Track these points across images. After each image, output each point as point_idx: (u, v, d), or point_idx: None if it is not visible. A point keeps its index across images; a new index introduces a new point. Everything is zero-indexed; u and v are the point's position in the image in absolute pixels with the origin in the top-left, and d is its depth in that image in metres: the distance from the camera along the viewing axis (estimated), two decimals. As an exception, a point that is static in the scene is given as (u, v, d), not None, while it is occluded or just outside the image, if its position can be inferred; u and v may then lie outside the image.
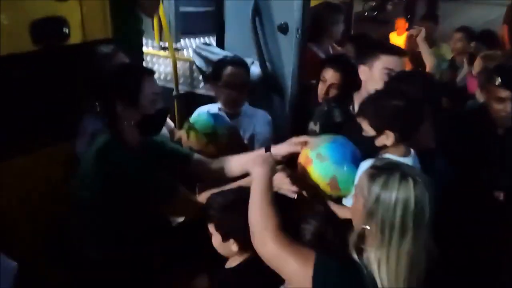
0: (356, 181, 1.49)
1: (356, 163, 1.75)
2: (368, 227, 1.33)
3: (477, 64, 3.22)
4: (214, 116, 2.28)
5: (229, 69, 2.48)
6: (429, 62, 3.18)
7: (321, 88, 2.57)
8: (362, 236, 1.35)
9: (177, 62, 3.29)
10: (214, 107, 2.55)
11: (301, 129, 2.42)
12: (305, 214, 1.68)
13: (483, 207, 2.31)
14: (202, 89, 3.29)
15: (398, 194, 1.29)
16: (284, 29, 2.66)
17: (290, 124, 2.76)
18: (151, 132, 1.94)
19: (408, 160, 1.76)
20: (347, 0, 4.69)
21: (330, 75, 2.54)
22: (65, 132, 2.20)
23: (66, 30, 2.21)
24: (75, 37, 2.27)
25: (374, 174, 1.35)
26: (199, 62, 3.13)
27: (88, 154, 1.86)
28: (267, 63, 2.85)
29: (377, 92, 1.93)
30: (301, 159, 1.81)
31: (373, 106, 1.81)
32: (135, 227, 1.88)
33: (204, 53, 3.09)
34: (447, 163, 2.12)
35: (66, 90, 2.24)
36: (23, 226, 2.16)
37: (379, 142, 1.80)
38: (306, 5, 2.55)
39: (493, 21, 6.42)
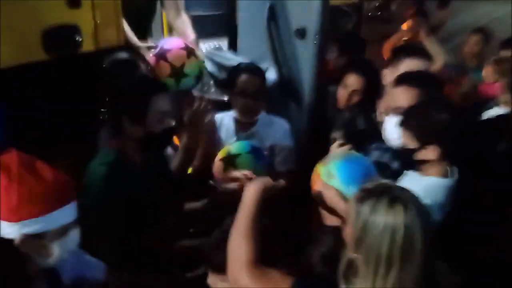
0: None
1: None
2: (355, 255, 1.21)
3: (489, 69, 3.14)
4: (257, 152, 2.14)
5: (244, 77, 2.37)
6: (439, 60, 2.98)
7: (343, 94, 2.45)
8: (351, 265, 1.23)
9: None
10: (228, 116, 2.47)
11: (319, 138, 2.36)
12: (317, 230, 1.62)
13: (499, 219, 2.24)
14: (213, 94, 3.21)
15: (386, 221, 1.16)
16: (301, 33, 2.57)
17: (308, 132, 2.68)
18: (153, 151, 1.88)
19: (447, 182, 1.71)
20: (356, 1, 4.62)
21: (352, 81, 2.43)
22: (78, 144, 2.13)
23: (78, 38, 2.15)
24: (88, 45, 2.20)
25: (362, 197, 1.23)
26: (211, 67, 3.04)
27: (90, 166, 1.80)
28: (283, 69, 2.77)
29: (424, 102, 1.83)
30: (313, 174, 1.75)
31: (419, 117, 1.73)
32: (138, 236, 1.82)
33: (216, 58, 3.00)
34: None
35: (78, 101, 2.17)
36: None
37: (421, 156, 1.72)
38: (325, 8, 2.46)
39: (499, 19, 6.34)
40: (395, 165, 2.02)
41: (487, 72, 3.19)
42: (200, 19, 3.70)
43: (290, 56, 2.71)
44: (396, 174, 1.89)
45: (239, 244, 1.33)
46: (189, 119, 1.96)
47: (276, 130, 2.44)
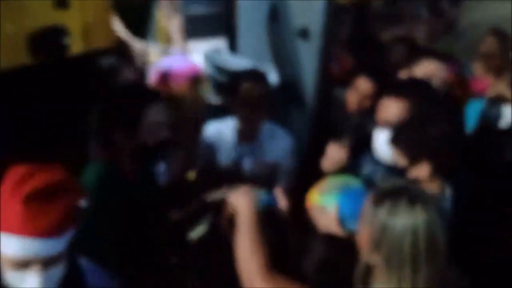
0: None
1: None
2: (375, 259, 1.19)
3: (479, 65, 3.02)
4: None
5: (247, 84, 2.21)
6: None
7: (353, 99, 2.31)
8: (368, 270, 1.22)
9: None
10: (228, 126, 2.31)
11: (322, 144, 2.24)
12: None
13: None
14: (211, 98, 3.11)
15: (406, 221, 1.15)
16: (304, 33, 2.45)
17: (311, 137, 2.56)
18: (146, 164, 1.78)
19: (442, 200, 1.62)
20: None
21: (364, 85, 2.28)
22: (65, 153, 2.02)
23: (66, 41, 2.05)
24: (76, 47, 2.11)
25: (378, 199, 1.20)
26: (210, 69, 2.93)
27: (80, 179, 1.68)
28: (285, 71, 2.65)
29: (414, 117, 1.73)
30: (308, 201, 1.66)
31: (408, 133, 1.65)
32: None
33: (216, 60, 2.88)
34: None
35: (68, 104, 2.08)
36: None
37: (413, 173, 1.64)
38: (329, 7, 2.34)
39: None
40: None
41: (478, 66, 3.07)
42: (198, 18, 3.61)
43: (291, 58, 2.59)
44: None
45: (249, 253, 1.33)
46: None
47: (279, 145, 2.28)
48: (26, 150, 1.95)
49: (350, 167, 2.01)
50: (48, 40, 1.98)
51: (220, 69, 2.81)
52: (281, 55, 2.63)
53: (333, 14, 2.55)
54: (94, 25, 2.14)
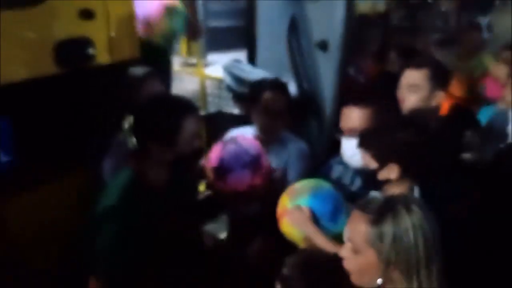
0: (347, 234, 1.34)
1: (335, 219, 1.70)
2: (390, 276, 1.22)
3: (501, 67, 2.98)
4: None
5: (268, 94, 2.24)
6: None
7: None
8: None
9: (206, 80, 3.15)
10: (247, 132, 2.33)
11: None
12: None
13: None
14: (231, 107, 3.14)
15: (413, 223, 1.21)
16: (323, 46, 2.47)
17: (328, 149, 2.56)
18: (182, 172, 1.79)
19: None
20: (380, 10, 4.52)
21: None
22: (86, 159, 2.07)
23: (91, 51, 2.10)
24: (102, 58, 2.16)
25: (377, 218, 1.23)
26: (229, 80, 2.97)
27: (108, 189, 1.72)
28: (303, 83, 2.66)
29: (381, 121, 1.81)
30: (278, 208, 1.71)
31: (377, 137, 1.71)
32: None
33: (235, 71, 2.92)
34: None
35: (92, 115, 2.12)
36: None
37: (382, 175, 1.69)
38: (348, 20, 2.36)
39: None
40: (357, 183, 2.00)
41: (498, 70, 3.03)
42: (219, 31, 3.67)
43: (311, 70, 2.61)
44: (359, 195, 1.85)
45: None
46: None
47: (292, 151, 2.30)
48: (48, 159, 2.03)
49: (322, 171, 2.11)
50: (73, 50, 2.03)
51: (239, 80, 2.85)
52: (300, 66, 2.65)
53: (357, 25, 2.58)
54: (119, 36, 2.17)
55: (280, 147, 2.30)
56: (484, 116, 2.80)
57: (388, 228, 1.21)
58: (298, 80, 2.65)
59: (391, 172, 1.67)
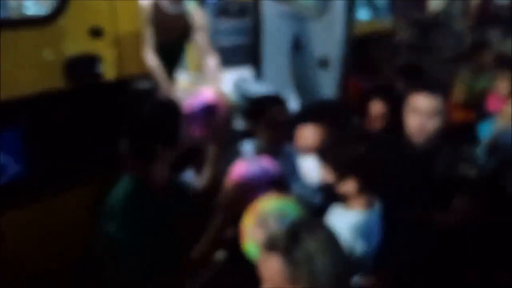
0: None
1: None
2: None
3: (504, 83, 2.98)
4: None
5: (272, 108, 2.35)
6: None
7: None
8: None
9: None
10: (250, 145, 2.42)
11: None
12: None
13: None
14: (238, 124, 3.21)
15: (321, 249, 1.25)
16: (324, 62, 2.55)
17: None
18: (181, 170, 1.94)
19: (370, 213, 1.73)
20: (388, 28, 4.58)
21: (376, 107, 2.42)
22: (97, 172, 2.16)
23: (100, 68, 2.18)
24: (110, 74, 2.23)
25: (287, 254, 1.24)
26: (236, 97, 3.06)
27: (112, 193, 1.81)
28: (305, 97, 2.74)
29: (341, 136, 1.83)
30: (242, 225, 1.67)
31: (335, 151, 1.74)
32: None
33: (242, 88, 3.01)
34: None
35: (100, 129, 2.20)
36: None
37: (341, 189, 1.72)
38: (348, 39, 2.44)
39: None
40: (317, 200, 2.02)
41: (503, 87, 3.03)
42: (226, 49, 3.77)
43: (312, 85, 2.69)
44: (320, 210, 1.86)
45: None
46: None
47: (295, 163, 2.37)
48: (57, 170, 2.11)
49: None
50: (83, 67, 2.12)
51: (245, 96, 2.94)
52: (302, 82, 2.73)
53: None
54: (127, 53, 2.25)
55: (284, 160, 2.35)
56: (483, 129, 2.84)
57: (300, 258, 1.22)
58: (300, 95, 2.73)
59: (349, 185, 1.69)
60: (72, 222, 2.12)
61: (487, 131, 2.76)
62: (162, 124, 1.81)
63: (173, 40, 2.88)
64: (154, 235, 1.76)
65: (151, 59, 2.69)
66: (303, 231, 1.28)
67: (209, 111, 2.18)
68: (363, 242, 1.68)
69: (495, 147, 2.53)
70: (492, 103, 3.11)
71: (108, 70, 2.21)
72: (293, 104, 2.72)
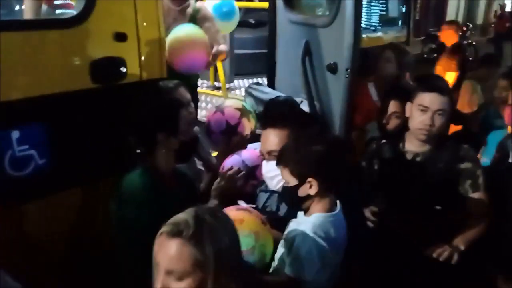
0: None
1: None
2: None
3: None
4: None
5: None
6: None
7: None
8: None
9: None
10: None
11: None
12: None
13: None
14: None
15: (227, 232, 1.31)
16: (333, 68, 2.67)
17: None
18: (185, 159, 2.06)
19: (333, 215, 1.70)
20: (402, 41, 4.68)
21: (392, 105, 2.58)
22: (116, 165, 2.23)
23: (124, 70, 2.30)
24: (132, 77, 2.35)
25: (194, 238, 1.26)
26: (250, 101, 3.19)
27: (126, 179, 1.95)
28: (316, 102, 2.86)
29: (299, 137, 1.80)
30: None
31: (294, 152, 1.70)
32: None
33: (255, 92, 3.15)
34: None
35: (120, 126, 2.32)
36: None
37: (302, 192, 1.70)
38: (356, 45, 2.56)
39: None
40: (283, 209, 1.98)
41: None
42: (244, 58, 3.92)
43: (322, 91, 2.81)
44: (286, 220, 1.85)
45: None
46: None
47: None
48: (80, 163, 2.22)
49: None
50: (108, 68, 2.24)
51: (258, 100, 3.08)
52: (313, 87, 2.85)
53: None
54: (149, 57, 2.38)
55: None
56: (493, 139, 2.89)
57: (208, 241, 1.26)
58: (311, 100, 2.84)
59: (311, 188, 1.67)
60: (95, 213, 2.24)
61: (496, 141, 2.79)
62: (163, 114, 1.97)
63: None
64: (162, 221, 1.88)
65: None
66: (207, 215, 1.31)
67: (230, 130, 2.38)
68: (330, 245, 1.65)
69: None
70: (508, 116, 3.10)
71: (131, 73, 2.32)
72: (304, 108, 2.84)
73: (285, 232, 1.76)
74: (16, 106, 1.96)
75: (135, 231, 1.88)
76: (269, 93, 3.07)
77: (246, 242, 1.60)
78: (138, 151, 2.02)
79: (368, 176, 2.35)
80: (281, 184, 1.86)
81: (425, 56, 9.59)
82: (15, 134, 1.97)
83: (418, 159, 2.24)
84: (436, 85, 2.17)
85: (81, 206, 2.25)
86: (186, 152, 2.02)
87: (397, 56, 3.19)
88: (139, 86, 2.36)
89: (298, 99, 2.83)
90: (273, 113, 2.09)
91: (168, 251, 1.27)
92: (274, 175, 1.91)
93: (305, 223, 1.68)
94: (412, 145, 2.26)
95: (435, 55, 10.45)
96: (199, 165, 2.49)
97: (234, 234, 1.37)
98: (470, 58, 10.39)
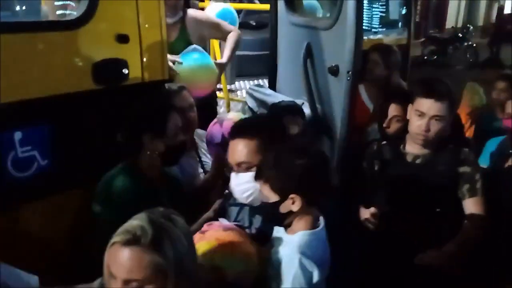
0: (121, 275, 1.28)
1: None
2: None
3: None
4: None
5: (287, 118, 2.38)
6: None
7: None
8: None
9: (230, 102, 3.39)
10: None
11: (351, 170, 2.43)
12: None
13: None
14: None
15: (184, 233, 1.32)
16: (334, 71, 2.68)
17: (339, 165, 2.73)
18: (171, 162, 2.07)
19: (318, 231, 1.61)
20: (403, 43, 4.67)
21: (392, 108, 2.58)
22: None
23: (125, 71, 2.30)
24: (134, 78, 2.35)
25: (153, 244, 1.24)
26: (251, 102, 3.20)
27: (106, 176, 2.01)
28: (317, 105, 2.87)
29: (279, 150, 1.64)
30: None
31: (275, 167, 1.57)
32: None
33: (256, 94, 3.16)
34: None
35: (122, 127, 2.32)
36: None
37: (284, 208, 1.57)
38: (357, 48, 2.56)
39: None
40: (257, 223, 1.88)
41: None
42: (246, 59, 3.93)
43: (323, 93, 2.81)
44: (259, 235, 1.77)
45: None
46: None
47: None
48: (83, 164, 2.21)
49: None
50: (110, 70, 2.25)
51: (260, 102, 3.09)
52: (314, 90, 2.85)
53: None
54: (151, 58, 2.38)
55: None
56: (491, 146, 2.90)
57: (168, 246, 1.24)
58: (312, 102, 2.85)
59: (293, 203, 1.56)
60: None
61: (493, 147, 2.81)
62: (150, 116, 2.01)
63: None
64: None
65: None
66: (161, 219, 1.28)
67: (226, 143, 2.24)
68: (317, 265, 1.55)
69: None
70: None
71: (133, 74, 2.32)
72: (305, 110, 2.84)
73: (270, 252, 1.66)
74: (19, 108, 1.96)
75: (112, 231, 1.89)
76: (270, 95, 3.08)
77: (237, 266, 1.54)
78: (126, 150, 2.07)
79: (369, 177, 2.36)
80: (252, 197, 1.78)
81: (425, 58, 9.59)
82: (18, 135, 1.98)
83: (418, 161, 2.25)
84: (435, 90, 2.16)
85: (83, 207, 2.20)
86: (173, 155, 2.01)
87: (383, 57, 3.22)
88: (141, 88, 2.36)
89: (299, 101, 2.82)
90: (241, 123, 1.92)
91: (126, 261, 1.22)
92: (245, 188, 1.79)
93: (291, 244, 1.57)
94: (412, 147, 2.27)
95: (435, 56, 10.57)
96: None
97: (190, 236, 1.35)
98: (471, 60, 10.52)
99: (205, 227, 1.62)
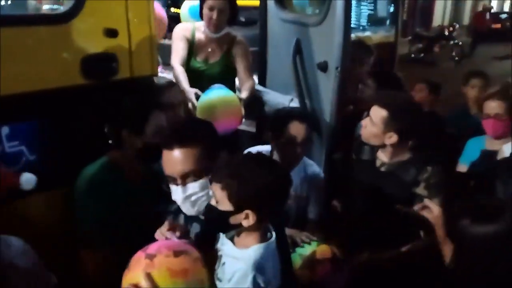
0: None
1: None
2: None
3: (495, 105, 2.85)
4: None
5: (294, 124, 2.35)
6: None
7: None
8: None
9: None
10: (264, 150, 2.42)
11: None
12: None
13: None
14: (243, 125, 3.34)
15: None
16: (323, 67, 2.69)
17: (327, 160, 2.76)
18: (150, 160, 2.03)
19: (270, 244, 1.53)
20: (391, 41, 4.72)
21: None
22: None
23: (115, 66, 2.28)
24: (124, 73, 2.33)
25: None
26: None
27: (85, 170, 2.02)
28: (306, 100, 2.88)
29: (243, 162, 1.55)
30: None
31: (236, 179, 1.46)
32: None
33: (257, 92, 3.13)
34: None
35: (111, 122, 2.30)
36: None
37: (235, 220, 1.49)
38: (346, 44, 2.58)
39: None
40: (195, 229, 1.75)
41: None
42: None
43: (313, 89, 2.83)
44: (198, 241, 1.65)
45: None
46: None
47: (311, 181, 2.47)
48: (71, 160, 2.18)
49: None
50: (99, 64, 2.22)
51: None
52: (303, 85, 2.87)
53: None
54: (140, 53, 2.36)
55: (298, 171, 2.44)
56: (471, 146, 2.93)
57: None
58: (301, 98, 2.86)
59: (247, 218, 1.47)
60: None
61: (475, 148, 2.85)
62: (129, 112, 2.02)
63: (210, 62, 3.06)
64: (122, 216, 1.95)
65: (177, 66, 2.92)
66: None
67: None
68: (270, 277, 1.49)
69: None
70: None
71: (122, 69, 2.30)
72: (294, 105, 2.86)
73: (219, 265, 1.58)
74: (7, 102, 1.93)
75: (89, 222, 1.97)
76: (261, 91, 3.08)
77: None
78: (109, 142, 2.07)
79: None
80: (194, 209, 1.69)
81: (412, 55, 9.68)
82: (5, 130, 1.97)
83: (382, 168, 2.31)
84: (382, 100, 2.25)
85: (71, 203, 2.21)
86: (153, 153, 1.84)
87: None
88: (130, 82, 2.33)
89: (288, 97, 2.83)
90: (180, 131, 1.74)
91: None
92: (194, 200, 1.67)
93: (244, 259, 1.49)
94: (383, 154, 2.32)
95: (422, 54, 10.65)
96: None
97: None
98: (457, 58, 10.62)
99: (153, 248, 1.44)
